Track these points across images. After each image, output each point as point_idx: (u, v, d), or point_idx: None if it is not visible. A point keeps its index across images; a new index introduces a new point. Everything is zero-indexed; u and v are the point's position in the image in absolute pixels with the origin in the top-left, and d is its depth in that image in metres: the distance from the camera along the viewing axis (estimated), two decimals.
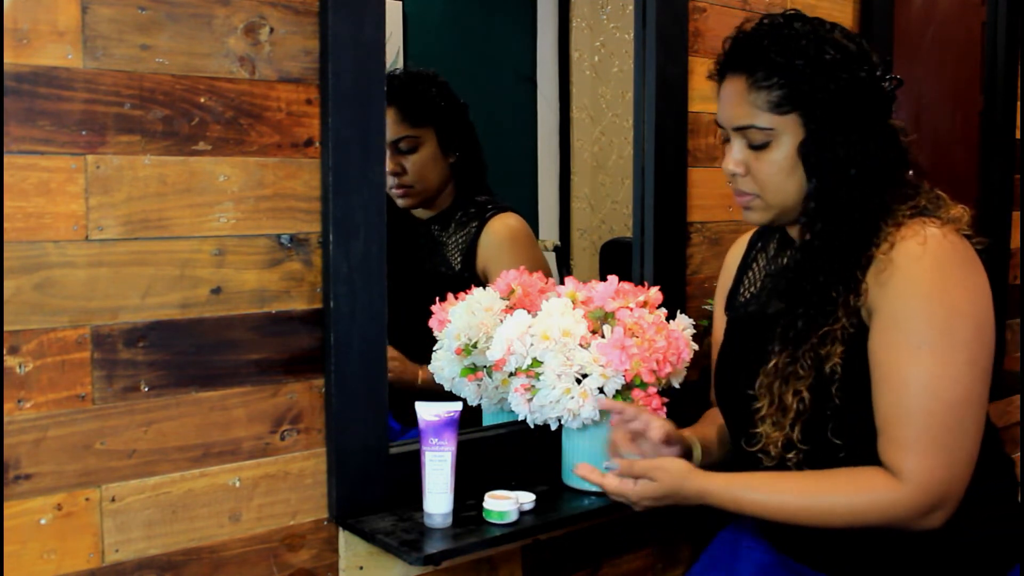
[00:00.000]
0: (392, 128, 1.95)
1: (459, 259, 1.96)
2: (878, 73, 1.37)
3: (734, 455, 1.50)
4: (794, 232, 1.47)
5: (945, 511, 1.28)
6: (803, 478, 1.33)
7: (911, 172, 1.40)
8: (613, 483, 1.39)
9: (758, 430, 1.38)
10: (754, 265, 1.59)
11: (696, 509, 1.39)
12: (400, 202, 2.01)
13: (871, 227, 1.34)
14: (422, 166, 1.98)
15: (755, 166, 1.39)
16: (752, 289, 1.56)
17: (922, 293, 1.28)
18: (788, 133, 1.36)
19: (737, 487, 1.35)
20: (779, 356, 1.37)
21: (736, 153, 1.40)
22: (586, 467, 1.44)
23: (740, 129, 1.39)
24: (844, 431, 1.33)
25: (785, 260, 1.51)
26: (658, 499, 1.37)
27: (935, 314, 1.27)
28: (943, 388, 1.26)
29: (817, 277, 1.34)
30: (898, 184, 1.37)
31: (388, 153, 1.97)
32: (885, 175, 1.36)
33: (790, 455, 1.35)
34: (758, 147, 1.38)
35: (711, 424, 1.61)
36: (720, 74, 1.43)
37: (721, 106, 1.43)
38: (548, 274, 1.93)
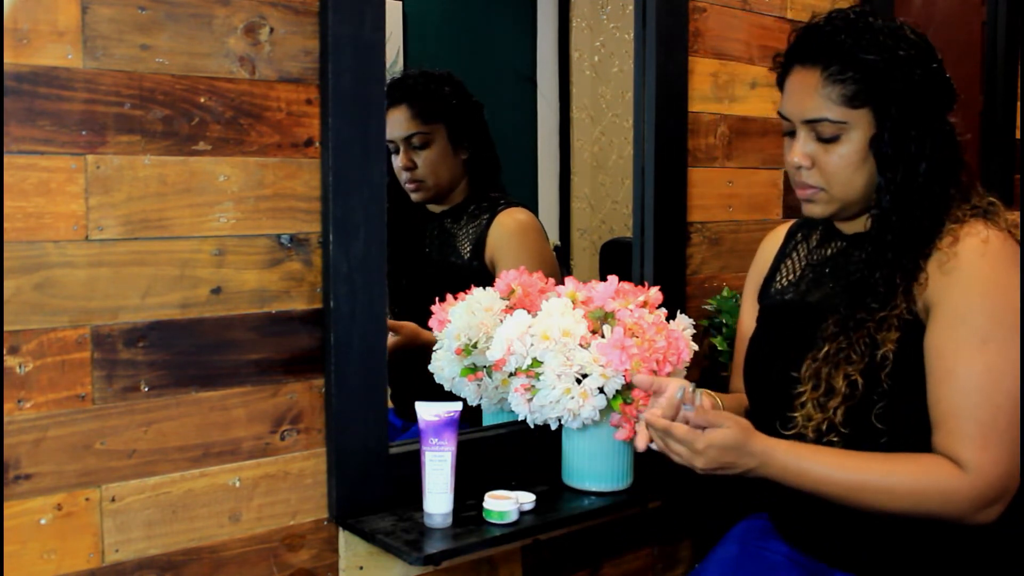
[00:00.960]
0: (405, 124, 2.00)
1: (468, 249, 1.99)
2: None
3: None
4: (845, 225, 1.48)
5: (1003, 504, 1.28)
6: (868, 457, 1.32)
7: (965, 171, 1.41)
8: (682, 429, 1.34)
9: (796, 414, 1.38)
10: (793, 255, 1.59)
11: (696, 508, 1.38)
12: (413, 196, 2.06)
13: (936, 221, 1.35)
14: (433, 161, 2.02)
15: (823, 159, 1.39)
16: (790, 277, 1.56)
17: (986, 290, 1.29)
18: (859, 127, 1.36)
19: (804, 455, 1.33)
20: (833, 342, 1.37)
21: (803, 146, 1.40)
22: (653, 414, 1.40)
23: (810, 122, 1.38)
24: (889, 417, 1.34)
25: (830, 251, 1.51)
26: (724, 448, 1.32)
27: (1000, 312, 1.29)
28: (1009, 383, 1.27)
29: (887, 269, 1.35)
30: (957, 183, 1.39)
31: (401, 148, 2.01)
32: (949, 171, 1.38)
33: (830, 437, 1.35)
34: (827, 140, 1.38)
35: (736, 403, 1.61)
36: (786, 65, 1.43)
37: (788, 98, 1.42)
38: (556, 271, 1.94)
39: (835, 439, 1.35)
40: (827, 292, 1.47)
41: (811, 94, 1.37)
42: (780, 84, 1.46)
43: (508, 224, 1.99)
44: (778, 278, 1.59)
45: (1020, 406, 1.28)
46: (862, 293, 1.37)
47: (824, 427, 1.36)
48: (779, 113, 1.45)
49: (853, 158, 1.37)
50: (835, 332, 1.38)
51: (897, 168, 1.36)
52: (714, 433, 1.33)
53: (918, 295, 1.34)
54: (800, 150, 1.40)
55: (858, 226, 1.46)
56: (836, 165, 1.38)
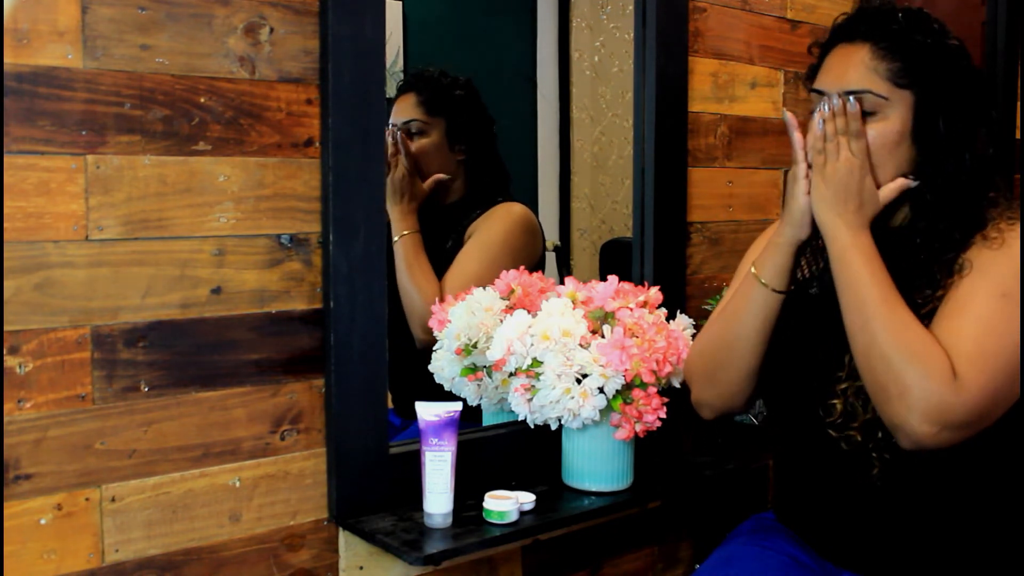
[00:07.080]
0: (407, 111, 2.02)
1: (457, 234, 1.99)
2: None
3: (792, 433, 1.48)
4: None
5: (955, 435, 1.23)
6: (905, 306, 1.29)
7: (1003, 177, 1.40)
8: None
9: (836, 401, 1.37)
10: (808, 247, 1.50)
11: (696, 508, 1.37)
12: None
13: (979, 216, 1.34)
14: (424, 151, 2.01)
15: None
16: (812, 269, 1.50)
17: (1019, 260, 1.28)
18: (899, 108, 1.35)
19: (874, 256, 1.31)
20: None
21: None
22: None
23: (853, 93, 1.36)
24: None
25: None
26: (865, 171, 1.32)
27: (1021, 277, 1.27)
28: (1014, 339, 1.25)
29: (934, 263, 1.34)
30: (999, 186, 1.38)
31: (399, 134, 2.02)
32: (990, 170, 1.37)
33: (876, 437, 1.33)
34: (864, 115, 1.35)
35: None
36: (828, 45, 1.42)
37: (828, 72, 1.40)
38: (537, 266, 1.94)
39: (880, 435, 1.33)
40: None
41: (856, 66, 1.36)
42: (817, 65, 1.43)
43: (497, 211, 2.00)
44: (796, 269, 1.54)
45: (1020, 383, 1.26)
46: (908, 289, 1.34)
47: (868, 424, 1.33)
48: (812, 90, 1.42)
49: (889, 137, 1.35)
50: None
51: (943, 156, 1.34)
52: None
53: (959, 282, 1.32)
54: None
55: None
56: (870, 141, 1.35)
